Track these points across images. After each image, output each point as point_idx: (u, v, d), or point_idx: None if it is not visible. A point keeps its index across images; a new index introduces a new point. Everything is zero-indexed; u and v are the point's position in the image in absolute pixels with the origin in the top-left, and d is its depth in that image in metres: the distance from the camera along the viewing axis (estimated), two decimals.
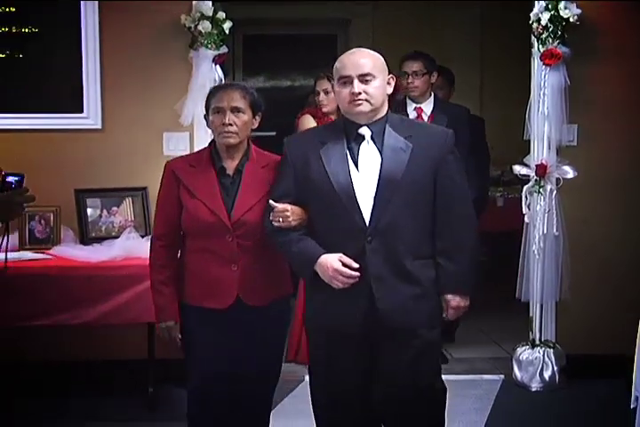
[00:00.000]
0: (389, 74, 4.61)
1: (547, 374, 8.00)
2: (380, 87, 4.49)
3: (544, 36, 7.84)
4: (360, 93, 4.40)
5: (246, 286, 4.78)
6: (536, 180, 7.93)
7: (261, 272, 4.83)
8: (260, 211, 4.77)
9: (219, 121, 4.66)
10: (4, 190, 4.67)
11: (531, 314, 8.16)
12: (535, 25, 7.82)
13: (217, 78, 8.14)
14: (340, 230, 4.50)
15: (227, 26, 8.10)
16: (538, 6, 7.80)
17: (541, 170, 7.89)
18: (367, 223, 4.43)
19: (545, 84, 7.94)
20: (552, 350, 7.97)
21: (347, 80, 4.44)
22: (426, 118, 8.42)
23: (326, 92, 8.47)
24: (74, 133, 8.01)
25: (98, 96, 8.22)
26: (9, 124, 7.75)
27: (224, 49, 8.19)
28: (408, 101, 8.47)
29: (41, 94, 8.06)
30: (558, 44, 7.79)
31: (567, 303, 8.06)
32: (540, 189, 7.99)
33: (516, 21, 8.41)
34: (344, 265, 4.41)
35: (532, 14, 7.85)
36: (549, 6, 7.76)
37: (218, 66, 8.22)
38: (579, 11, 7.68)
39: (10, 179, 4.69)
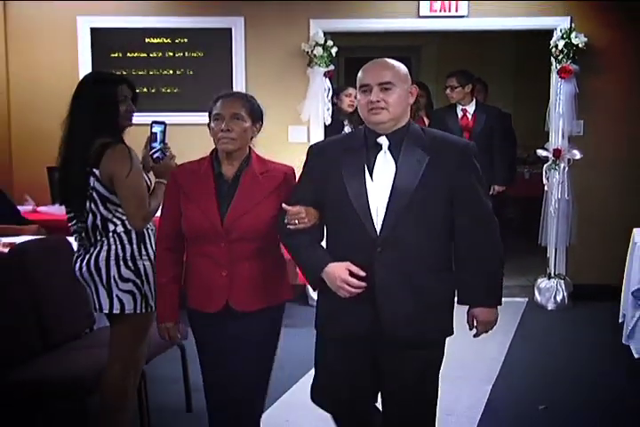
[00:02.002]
0: (412, 84, 3.97)
1: (559, 298, 9.06)
2: (400, 97, 3.85)
3: (560, 57, 8.80)
4: (378, 102, 3.81)
5: (236, 292, 4.25)
6: (553, 160, 8.93)
7: (254, 279, 4.27)
8: (254, 217, 4.19)
9: (218, 127, 4.13)
10: (151, 140, 4.89)
11: (548, 255, 9.14)
12: (554, 49, 8.80)
13: (326, 87, 9.04)
14: (351, 239, 3.93)
15: (333, 51, 8.97)
16: (556, 36, 8.75)
17: (557, 153, 8.92)
18: (378, 233, 3.85)
19: (560, 92, 8.91)
20: (563, 280, 9.00)
21: (366, 88, 3.86)
22: (470, 116, 9.34)
23: None
24: None
25: None
26: (186, 120, 8.52)
27: (331, 67, 9.06)
28: (457, 104, 9.39)
29: (205, 99, 8.73)
30: (570, 62, 8.77)
31: (574, 247, 9.07)
32: (556, 167, 9.01)
33: (540, 47, 9.27)
34: (351, 274, 3.84)
35: (551, 41, 8.78)
36: (564, 36, 8.71)
37: (327, 79, 9.00)
38: (585, 39, 8.66)
39: (155, 129, 4.87)
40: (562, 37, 8.64)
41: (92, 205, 4.56)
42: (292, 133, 9.04)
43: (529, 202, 10.09)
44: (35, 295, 5.28)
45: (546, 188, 8.98)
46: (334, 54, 8.91)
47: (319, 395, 4.22)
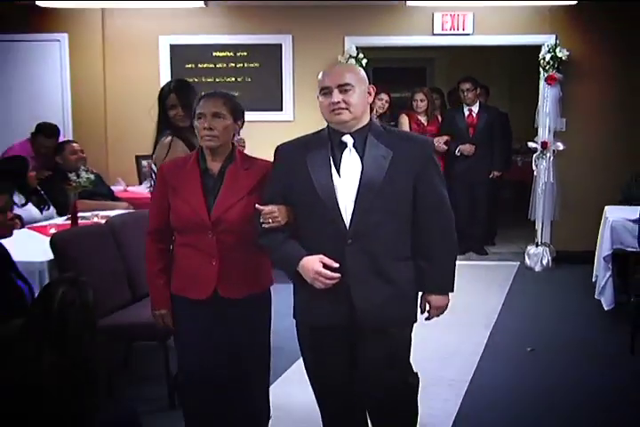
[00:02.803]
0: (370, 85, 3.67)
1: (544, 262, 9.16)
2: (359, 97, 3.54)
3: (547, 67, 8.96)
4: (339, 102, 3.48)
5: (224, 280, 3.89)
6: (541, 150, 9.08)
7: (239, 267, 3.92)
8: (240, 210, 3.86)
9: (201, 125, 3.83)
10: None
11: (536, 227, 9.35)
12: (542, 61, 8.98)
13: None
14: (322, 233, 3.59)
15: (364, 62, 9.13)
16: (544, 50, 8.96)
17: (544, 145, 9.05)
18: (347, 227, 3.52)
19: (547, 95, 9.05)
20: (548, 248, 9.20)
21: (327, 91, 3.53)
22: (474, 115, 9.53)
23: (421, 100, 9.49)
24: (278, 123, 9.16)
25: (291, 101, 9.45)
26: (250, 118, 8.05)
27: None
28: (463, 105, 9.57)
29: (262, 101, 9.27)
30: (555, 72, 8.94)
31: (557, 221, 9.30)
32: (543, 156, 9.12)
33: (531, 59, 9.41)
34: (325, 266, 3.52)
35: (540, 54, 8.99)
36: (550, 50, 8.90)
37: None
38: (567, 53, 8.88)
39: None
40: (548, 51, 8.92)
41: None
42: None
43: (521, 184, 10.33)
44: (124, 257, 5.51)
45: (535, 173, 9.25)
46: (364, 65, 9.04)
47: (309, 378, 3.96)
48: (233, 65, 9.33)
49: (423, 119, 9.48)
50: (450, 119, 9.55)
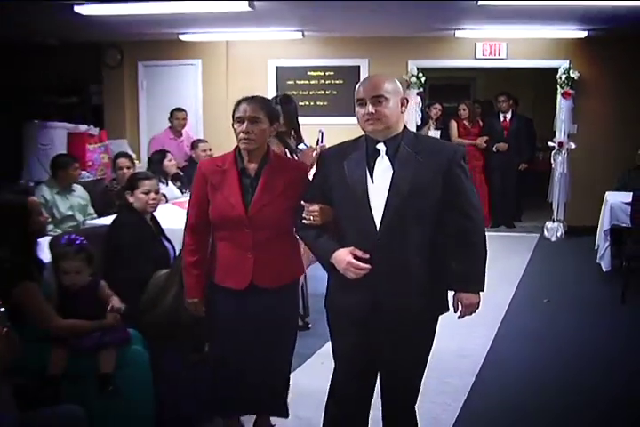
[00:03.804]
0: (404, 96, 3.25)
1: (559, 234, 9.43)
2: (392, 108, 3.15)
3: (563, 84, 9.25)
4: (372, 113, 3.11)
5: (259, 272, 3.48)
6: (558, 148, 9.38)
7: (273, 260, 3.51)
8: (274, 208, 3.45)
9: (239, 129, 3.41)
10: (319, 140, 4.82)
11: (553, 207, 9.63)
12: (559, 80, 9.29)
13: (418, 102, 9.64)
14: (355, 231, 3.22)
15: (423, 79, 9.72)
16: (560, 72, 9.25)
17: (560, 144, 9.35)
18: (377, 227, 3.14)
19: (562, 106, 9.32)
20: (561, 223, 9.53)
21: (362, 102, 3.17)
22: (508, 121, 9.92)
23: (464, 110, 9.99)
24: (355, 125, 8.97)
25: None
26: (331, 121, 8.55)
27: (421, 89, 9.86)
28: (499, 113, 9.97)
29: (344, 109, 9.02)
30: (569, 88, 9.20)
31: (569, 202, 9.52)
32: (560, 153, 9.33)
33: (551, 78, 9.49)
34: (356, 257, 3.16)
35: (557, 75, 9.25)
36: (565, 72, 9.20)
37: (418, 96, 9.68)
38: (579, 74, 9.16)
39: (319, 135, 4.76)
40: (564, 73, 9.29)
41: None
42: None
43: (542, 174, 10.34)
44: None
45: (553, 166, 9.63)
46: (423, 82, 9.77)
47: (334, 361, 3.53)
48: (323, 81, 9.91)
49: (467, 124, 10.17)
50: (489, 123, 10.26)
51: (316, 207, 3.30)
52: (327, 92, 9.78)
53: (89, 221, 6.24)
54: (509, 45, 9.34)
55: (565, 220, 9.48)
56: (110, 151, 8.35)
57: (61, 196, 6.38)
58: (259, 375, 3.64)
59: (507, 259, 8.05)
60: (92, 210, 6.56)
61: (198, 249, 3.63)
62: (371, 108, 3.16)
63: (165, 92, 9.92)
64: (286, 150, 4.99)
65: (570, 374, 4.85)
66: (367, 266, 3.18)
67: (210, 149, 7.65)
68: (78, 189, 6.62)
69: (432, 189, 3.20)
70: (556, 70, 9.29)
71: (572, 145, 9.18)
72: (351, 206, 3.25)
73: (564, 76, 9.11)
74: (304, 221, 3.34)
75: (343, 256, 3.21)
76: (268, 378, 3.70)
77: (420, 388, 3.45)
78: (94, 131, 8.46)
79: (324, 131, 5.12)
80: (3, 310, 2.86)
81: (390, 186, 3.18)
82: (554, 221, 9.44)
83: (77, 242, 3.77)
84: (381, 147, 3.24)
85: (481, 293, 3.28)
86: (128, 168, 6.71)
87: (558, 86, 9.25)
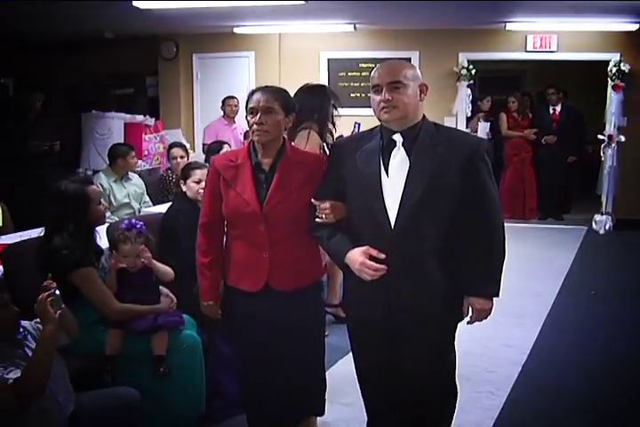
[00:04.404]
0: (422, 83, 2.99)
1: (607, 227, 9.32)
2: (410, 95, 2.89)
3: (614, 77, 9.18)
4: (389, 100, 2.85)
5: (275, 273, 3.21)
6: (607, 141, 9.29)
7: (291, 260, 3.24)
8: (291, 203, 3.18)
9: (252, 120, 3.15)
10: (353, 132, 4.55)
11: (601, 200, 9.60)
12: (610, 72, 9.21)
13: (468, 94, 9.59)
14: (369, 228, 2.97)
15: (473, 71, 9.66)
16: (611, 65, 9.16)
17: (610, 137, 9.28)
18: (392, 225, 2.90)
19: (613, 99, 9.27)
20: (610, 216, 9.41)
21: (378, 88, 2.92)
22: (557, 113, 9.87)
23: (513, 102, 9.90)
24: None
25: None
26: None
27: (471, 81, 9.86)
28: (549, 105, 9.93)
29: None
30: (620, 81, 9.11)
31: (618, 195, 9.39)
32: (609, 146, 9.25)
33: (601, 71, 9.37)
34: (371, 257, 2.92)
35: (608, 68, 9.17)
36: (616, 64, 9.11)
37: (468, 89, 9.64)
38: (629, 66, 9.06)
39: (356, 127, 4.54)
40: (614, 65, 9.22)
41: None
42: (446, 122, 9.23)
43: (591, 167, 10.42)
44: None
45: (602, 158, 9.58)
46: (473, 74, 9.69)
47: (355, 369, 3.36)
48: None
49: (517, 116, 10.14)
50: (539, 115, 10.26)
51: (327, 205, 3.09)
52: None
53: (144, 209, 6.41)
54: (560, 38, 9.25)
55: (614, 213, 9.38)
56: (166, 141, 8.46)
57: (118, 184, 6.50)
58: (288, 383, 3.38)
59: (554, 251, 8.09)
60: (147, 198, 6.71)
61: (212, 249, 3.40)
62: (387, 95, 2.92)
63: (219, 83, 9.95)
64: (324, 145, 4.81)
65: (616, 366, 4.80)
66: (383, 267, 2.96)
67: None
68: (134, 177, 6.78)
69: (452, 186, 2.95)
70: (606, 63, 9.22)
71: (622, 138, 9.10)
72: (364, 202, 3.02)
73: (614, 69, 9.04)
74: (316, 219, 3.13)
75: (357, 257, 2.99)
76: (300, 385, 3.43)
77: (450, 407, 3.22)
78: (150, 121, 8.61)
79: (360, 123, 5.03)
80: (58, 293, 2.97)
81: (406, 180, 2.94)
82: (602, 214, 9.37)
83: (137, 226, 3.86)
84: (398, 138, 2.99)
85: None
86: (182, 157, 6.81)
87: (609, 79, 9.21)
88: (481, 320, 3.10)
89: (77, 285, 3.58)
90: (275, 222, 3.23)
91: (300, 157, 3.37)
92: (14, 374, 2.75)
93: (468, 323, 3.13)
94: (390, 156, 2.98)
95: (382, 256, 2.96)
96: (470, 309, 3.08)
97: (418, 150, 2.96)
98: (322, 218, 3.09)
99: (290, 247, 3.28)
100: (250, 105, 3.24)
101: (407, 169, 2.94)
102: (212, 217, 3.39)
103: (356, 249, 3.01)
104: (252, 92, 3.28)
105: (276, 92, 3.27)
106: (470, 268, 3.02)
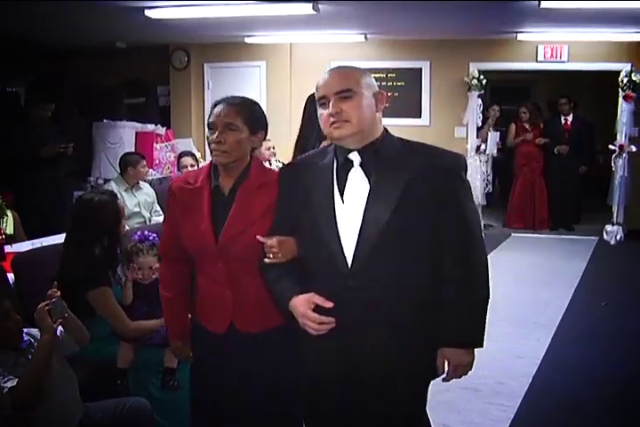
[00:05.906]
0: (379, 90, 2.47)
1: (618, 237, 9.27)
2: (364, 105, 2.36)
3: (625, 87, 9.10)
4: (338, 113, 2.34)
5: (239, 313, 2.73)
6: (619, 151, 9.23)
7: (254, 299, 2.71)
8: (252, 235, 2.59)
9: (211, 138, 2.65)
10: None
11: (613, 210, 9.45)
12: (621, 83, 9.13)
13: (479, 104, 9.54)
14: (322, 268, 2.46)
15: (484, 82, 9.60)
16: (622, 75, 9.11)
17: (621, 147, 9.22)
18: (349, 266, 2.38)
19: (624, 109, 9.20)
20: (621, 226, 9.35)
21: (324, 101, 2.39)
22: (569, 123, 9.89)
23: (524, 112, 9.88)
24: (418, 127, 9.20)
25: (428, 110, 9.71)
26: (393, 122, 8.44)
27: (482, 91, 9.64)
28: (561, 115, 9.96)
29: (406, 111, 9.44)
30: (631, 91, 9.01)
31: (629, 205, 9.32)
32: (620, 156, 9.20)
33: (612, 81, 9.32)
34: (318, 306, 2.40)
35: (619, 78, 9.12)
36: (627, 74, 9.05)
37: (479, 98, 9.56)
38: None
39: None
40: (626, 76, 9.16)
41: None
42: (457, 131, 9.67)
43: (602, 177, 10.17)
44: None
45: (613, 168, 9.49)
46: (484, 84, 9.63)
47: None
48: (385, 83, 9.77)
49: (527, 126, 10.15)
50: (551, 125, 10.28)
51: (274, 241, 2.55)
52: (389, 94, 9.55)
53: (155, 218, 6.44)
54: (571, 48, 9.23)
55: (625, 223, 9.32)
56: (176, 150, 8.47)
57: (129, 193, 6.49)
58: None
59: (565, 262, 8.07)
60: (157, 207, 6.69)
61: (175, 282, 2.95)
62: (335, 108, 2.41)
63: (230, 93, 8.39)
64: None
65: (627, 377, 4.75)
66: (330, 319, 2.43)
67: (273, 147, 7.39)
68: (145, 186, 6.78)
69: (423, 213, 2.43)
70: (617, 73, 9.19)
71: (633, 148, 9.05)
72: (316, 235, 2.50)
73: (625, 79, 9.00)
74: (265, 259, 2.59)
75: (299, 306, 2.48)
76: None
77: None
78: (161, 130, 8.67)
79: None
80: (64, 302, 2.92)
81: (366, 207, 2.43)
82: (613, 225, 9.33)
83: (150, 238, 3.83)
84: (354, 157, 2.49)
85: (478, 347, 2.41)
86: (192, 166, 6.81)
87: (620, 89, 9.13)
88: (459, 377, 2.53)
89: (92, 303, 3.57)
90: (232, 257, 2.73)
91: (267, 178, 2.78)
92: (11, 383, 2.74)
93: (444, 380, 2.56)
94: (347, 178, 2.49)
95: (329, 305, 2.43)
96: (446, 363, 2.51)
97: (379, 171, 2.46)
98: (269, 258, 2.57)
99: (253, 285, 2.74)
100: (209, 119, 2.75)
101: (367, 194, 2.45)
102: (172, 246, 2.93)
103: (301, 296, 2.49)
104: (214, 105, 2.79)
105: (241, 106, 2.75)
106: (446, 312, 2.46)
